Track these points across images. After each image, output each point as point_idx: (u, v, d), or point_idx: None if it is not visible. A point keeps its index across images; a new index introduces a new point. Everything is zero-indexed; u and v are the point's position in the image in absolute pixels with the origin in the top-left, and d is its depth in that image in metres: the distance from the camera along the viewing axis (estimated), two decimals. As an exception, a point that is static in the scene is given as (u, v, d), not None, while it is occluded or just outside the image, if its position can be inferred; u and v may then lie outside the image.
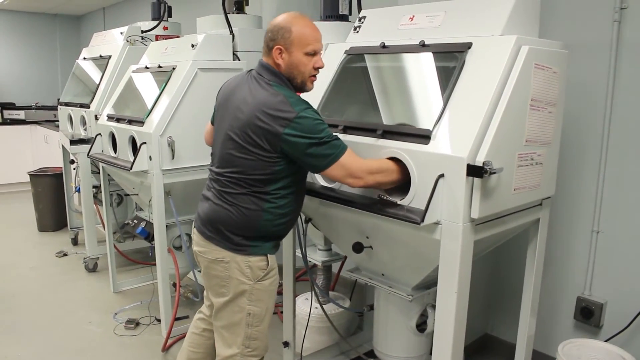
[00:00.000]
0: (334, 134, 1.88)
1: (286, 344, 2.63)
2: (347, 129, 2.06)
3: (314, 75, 2.01)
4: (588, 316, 2.62)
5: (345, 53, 2.31)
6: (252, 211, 1.98)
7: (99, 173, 4.01)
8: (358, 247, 2.10)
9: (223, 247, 2.03)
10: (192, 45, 3.25)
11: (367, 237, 2.11)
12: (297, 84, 1.99)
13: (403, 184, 1.86)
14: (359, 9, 2.92)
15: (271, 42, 1.96)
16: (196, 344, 2.35)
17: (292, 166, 1.94)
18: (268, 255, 2.07)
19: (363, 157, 1.95)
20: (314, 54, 1.96)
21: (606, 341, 2.46)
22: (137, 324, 3.52)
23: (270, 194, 1.97)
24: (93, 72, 4.53)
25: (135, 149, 3.09)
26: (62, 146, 5.00)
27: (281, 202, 2.00)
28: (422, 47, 2.01)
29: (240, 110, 1.94)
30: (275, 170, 1.92)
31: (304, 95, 2.00)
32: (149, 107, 3.12)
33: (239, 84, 2.06)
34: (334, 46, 2.42)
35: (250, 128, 1.89)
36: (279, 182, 1.96)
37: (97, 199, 4.45)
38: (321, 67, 2.00)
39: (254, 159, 1.91)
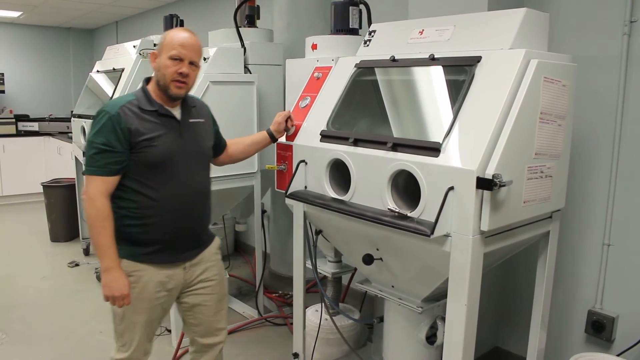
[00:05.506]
0: (113, 159, 1.93)
1: (296, 356, 2.63)
2: (357, 142, 2.07)
3: (179, 81, 1.99)
4: (599, 330, 2.60)
5: (355, 66, 2.33)
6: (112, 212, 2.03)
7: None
8: (368, 259, 2.10)
9: None
10: (204, 59, 3.28)
11: (377, 249, 2.12)
12: (162, 87, 2.02)
13: (413, 196, 1.88)
14: (369, 22, 2.95)
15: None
16: None
17: (130, 166, 1.98)
18: (126, 260, 2.03)
19: (373, 170, 1.96)
20: (179, 59, 1.98)
21: (618, 355, 2.44)
22: (148, 334, 3.52)
23: (117, 192, 2.00)
24: (106, 85, 4.59)
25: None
26: (75, 157, 5.06)
27: (123, 204, 2.01)
28: (432, 60, 2.03)
29: None
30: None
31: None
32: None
33: None
34: (344, 59, 2.45)
35: None
36: (123, 180, 1.99)
37: (108, 209, 4.48)
38: (184, 74, 1.98)
39: None
